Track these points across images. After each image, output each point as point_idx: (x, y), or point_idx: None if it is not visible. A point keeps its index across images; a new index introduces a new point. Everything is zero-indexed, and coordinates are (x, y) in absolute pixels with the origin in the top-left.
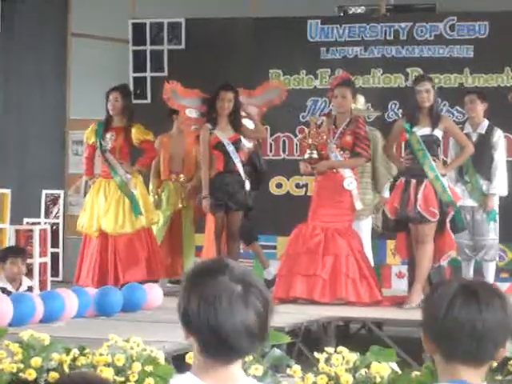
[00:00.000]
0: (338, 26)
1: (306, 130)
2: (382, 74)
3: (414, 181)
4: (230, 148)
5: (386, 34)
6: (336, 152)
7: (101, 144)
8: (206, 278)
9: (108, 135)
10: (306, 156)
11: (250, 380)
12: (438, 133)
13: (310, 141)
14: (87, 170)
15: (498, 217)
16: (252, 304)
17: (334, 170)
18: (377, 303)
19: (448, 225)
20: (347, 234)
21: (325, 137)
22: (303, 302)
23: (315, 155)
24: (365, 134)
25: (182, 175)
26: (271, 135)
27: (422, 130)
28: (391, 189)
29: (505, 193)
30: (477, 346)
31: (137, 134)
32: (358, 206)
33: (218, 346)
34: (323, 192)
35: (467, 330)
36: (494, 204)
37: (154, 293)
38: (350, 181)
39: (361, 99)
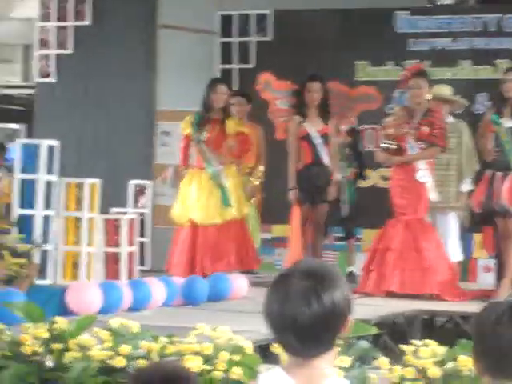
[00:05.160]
0: (426, 17)
1: (389, 120)
2: (470, 66)
3: (499, 174)
4: (318, 141)
5: (474, 25)
6: (413, 143)
7: (196, 135)
8: (279, 280)
9: (206, 126)
10: (384, 145)
11: (338, 380)
12: None
13: (390, 131)
14: (183, 161)
15: None
16: (321, 298)
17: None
18: (458, 298)
19: None
20: (427, 226)
21: (405, 129)
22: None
23: (393, 146)
24: (441, 123)
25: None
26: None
27: (510, 122)
28: (476, 182)
29: None
30: None
31: (233, 126)
32: (433, 197)
33: (289, 341)
34: (400, 184)
35: None
36: None
37: (239, 282)
38: (422, 173)
39: (447, 90)
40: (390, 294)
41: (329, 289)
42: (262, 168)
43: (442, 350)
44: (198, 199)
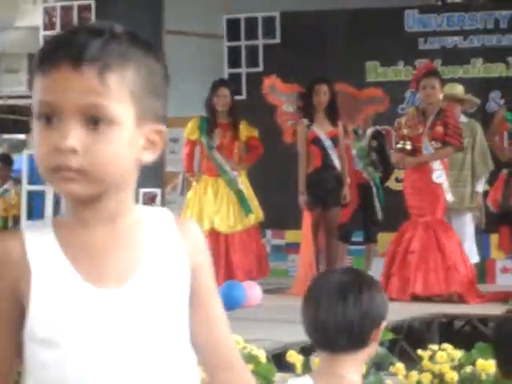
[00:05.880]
0: (437, 15)
1: (402, 120)
2: (482, 64)
3: None
4: (328, 143)
5: (485, 22)
6: (428, 144)
7: (208, 141)
8: (321, 276)
9: (215, 132)
10: (399, 146)
11: None
12: None
13: (405, 131)
14: (188, 167)
15: None
16: (358, 293)
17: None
18: (478, 300)
19: None
20: (447, 226)
21: (420, 130)
22: (420, 298)
23: (408, 146)
24: (454, 122)
25: None
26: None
27: None
28: (491, 182)
29: None
30: None
31: (244, 130)
32: (449, 198)
33: (323, 333)
34: (415, 185)
35: None
36: None
37: (253, 290)
38: (438, 174)
39: (459, 89)
40: (415, 297)
41: (367, 287)
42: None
43: (459, 353)
44: (219, 208)
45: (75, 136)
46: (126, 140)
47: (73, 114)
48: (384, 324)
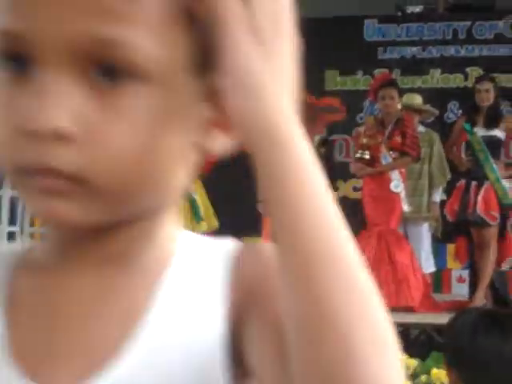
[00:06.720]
0: (396, 25)
1: (361, 130)
2: (440, 74)
3: (474, 183)
4: None
5: (444, 33)
6: (386, 153)
7: None
8: None
9: None
10: (358, 155)
11: None
12: (500, 133)
13: (364, 141)
14: None
15: None
16: None
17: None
18: (432, 310)
19: (510, 229)
20: (400, 237)
21: (379, 139)
22: None
23: (367, 156)
24: (412, 132)
25: None
26: (327, 137)
27: (483, 131)
28: (449, 192)
29: None
30: (506, 377)
31: None
32: (406, 208)
33: None
34: (372, 194)
35: (494, 357)
36: None
37: None
38: (396, 183)
39: (417, 99)
40: None
41: None
42: None
43: (414, 362)
44: None
45: (67, 103)
46: (173, 110)
47: (63, 56)
48: None
